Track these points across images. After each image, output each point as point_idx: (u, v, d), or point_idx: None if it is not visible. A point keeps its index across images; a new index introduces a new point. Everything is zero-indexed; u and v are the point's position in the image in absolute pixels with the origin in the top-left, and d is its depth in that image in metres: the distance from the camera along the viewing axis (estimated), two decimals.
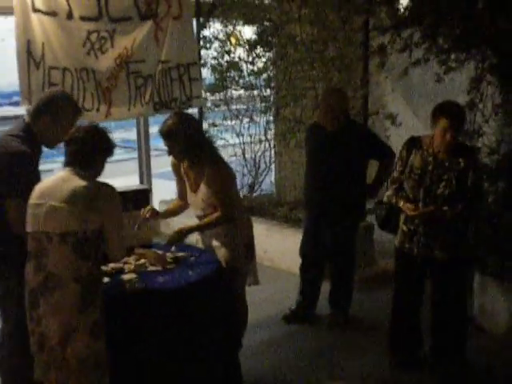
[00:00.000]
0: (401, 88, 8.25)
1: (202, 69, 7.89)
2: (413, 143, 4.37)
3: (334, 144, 5.08)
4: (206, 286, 3.74)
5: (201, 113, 7.21)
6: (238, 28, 7.77)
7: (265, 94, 7.88)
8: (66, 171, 3.29)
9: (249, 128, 8.12)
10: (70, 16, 5.24)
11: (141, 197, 4.35)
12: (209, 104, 7.87)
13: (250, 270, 4.46)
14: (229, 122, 8.12)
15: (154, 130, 6.62)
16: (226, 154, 8.05)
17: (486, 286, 5.25)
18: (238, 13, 7.52)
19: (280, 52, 7.69)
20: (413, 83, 7.98)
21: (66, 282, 3.17)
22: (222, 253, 4.25)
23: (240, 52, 7.81)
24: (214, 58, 7.81)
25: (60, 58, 5.25)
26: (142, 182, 8.22)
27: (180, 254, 4.09)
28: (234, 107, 8.07)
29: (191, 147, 4.08)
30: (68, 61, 5.29)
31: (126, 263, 3.90)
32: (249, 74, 7.83)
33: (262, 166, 8.20)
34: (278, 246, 6.91)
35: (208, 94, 7.90)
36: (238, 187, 7.79)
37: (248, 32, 7.81)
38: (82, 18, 5.31)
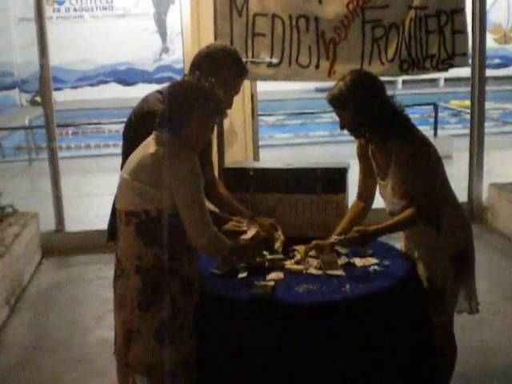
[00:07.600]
0: None
1: None
2: None
3: None
4: (365, 308, 2.66)
5: None
6: None
7: None
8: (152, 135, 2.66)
9: None
10: None
11: (334, 178, 3.37)
12: None
13: (463, 291, 3.18)
14: None
15: None
16: None
17: None
18: None
19: None
20: None
21: (129, 271, 2.61)
22: (420, 269, 3.11)
23: None
24: None
25: (269, 3, 4.56)
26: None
27: (361, 260, 3.00)
28: None
29: (369, 117, 2.96)
30: (280, 6, 4.58)
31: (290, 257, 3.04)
32: None
33: None
34: None
35: None
36: None
37: None
38: None
